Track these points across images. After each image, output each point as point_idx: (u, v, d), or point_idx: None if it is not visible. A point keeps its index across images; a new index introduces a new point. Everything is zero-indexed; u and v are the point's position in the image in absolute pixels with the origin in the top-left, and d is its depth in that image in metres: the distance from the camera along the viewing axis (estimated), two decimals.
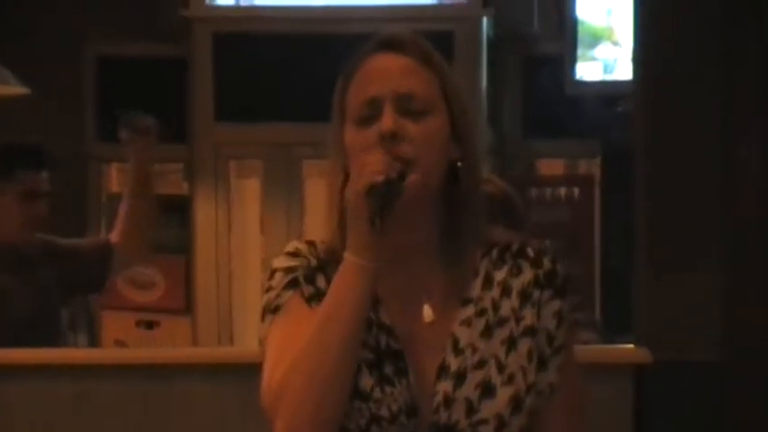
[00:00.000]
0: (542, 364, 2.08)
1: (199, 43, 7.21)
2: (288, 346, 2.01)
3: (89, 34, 7.45)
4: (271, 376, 2.00)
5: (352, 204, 1.97)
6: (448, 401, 2.03)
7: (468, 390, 2.04)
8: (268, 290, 2.08)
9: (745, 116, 3.75)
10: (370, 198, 1.95)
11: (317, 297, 2.05)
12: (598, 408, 3.64)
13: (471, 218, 2.08)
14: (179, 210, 7.43)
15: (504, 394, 2.04)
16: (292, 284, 2.07)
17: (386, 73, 2.05)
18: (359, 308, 1.98)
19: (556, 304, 2.10)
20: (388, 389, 2.03)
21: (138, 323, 7.15)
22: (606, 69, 7.05)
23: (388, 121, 2.01)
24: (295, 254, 2.09)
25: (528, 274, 2.10)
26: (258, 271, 7.05)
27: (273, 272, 2.08)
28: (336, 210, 2.05)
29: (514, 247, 2.12)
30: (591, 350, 4.23)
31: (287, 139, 7.13)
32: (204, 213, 7.25)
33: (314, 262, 2.08)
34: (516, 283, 2.09)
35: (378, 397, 2.02)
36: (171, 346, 6.90)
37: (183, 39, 7.26)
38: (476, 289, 2.09)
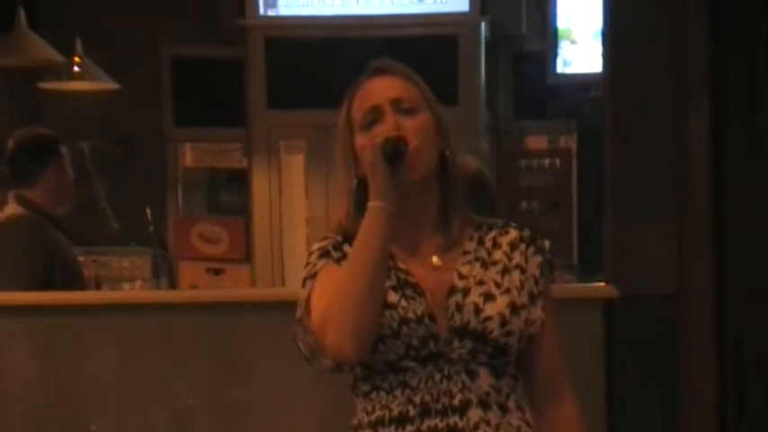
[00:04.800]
0: (532, 300, 2.12)
1: (253, 46, 7.19)
2: (327, 285, 2.05)
3: (164, 39, 7.44)
4: (317, 305, 2.05)
5: (371, 160, 2.03)
6: (459, 308, 2.07)
7: (474, 297, 2.08)
8: (307, 265, 2.13)
9: (693, 97, 3.72)
10: (386, 147, 2.02)
11: (345, 258, 2.08)
12: (574, 335, 3.63)
13: (457, 195, 2.14)
14: (239, 180, 7.44)
15: (502, 300, 2.09)
16: (324, 255, 2.11)
17: (380, 87, 2.12)
18: (383, 241, 2.01)
19: (538, 258, 2.15)
20: (411, 301, 2.06)
21: (208, 270, 7.16)
22: (565, 64, 7.00)
23: (390, 118, 2.08)
24: (324, 238, 2.15)
25: (513, 234, 2.16)
26: (303, 227, 7.05)
27: (310, 254, 2.14)
28: (351, 206, 2.10)
29: (500, 223, 2.19)
30: (569, 288, 4.21)
31: (325, 122, 7.03)
32: (259, 182, 7.24)
33: (339, 238, 2.13)
34: (504, 240, 2.15)
35: (404, 305, 2.05)
36: (234, 287, 6.90)
37: (240, 42, 7.24)
38: (472, 246, 2.13)
